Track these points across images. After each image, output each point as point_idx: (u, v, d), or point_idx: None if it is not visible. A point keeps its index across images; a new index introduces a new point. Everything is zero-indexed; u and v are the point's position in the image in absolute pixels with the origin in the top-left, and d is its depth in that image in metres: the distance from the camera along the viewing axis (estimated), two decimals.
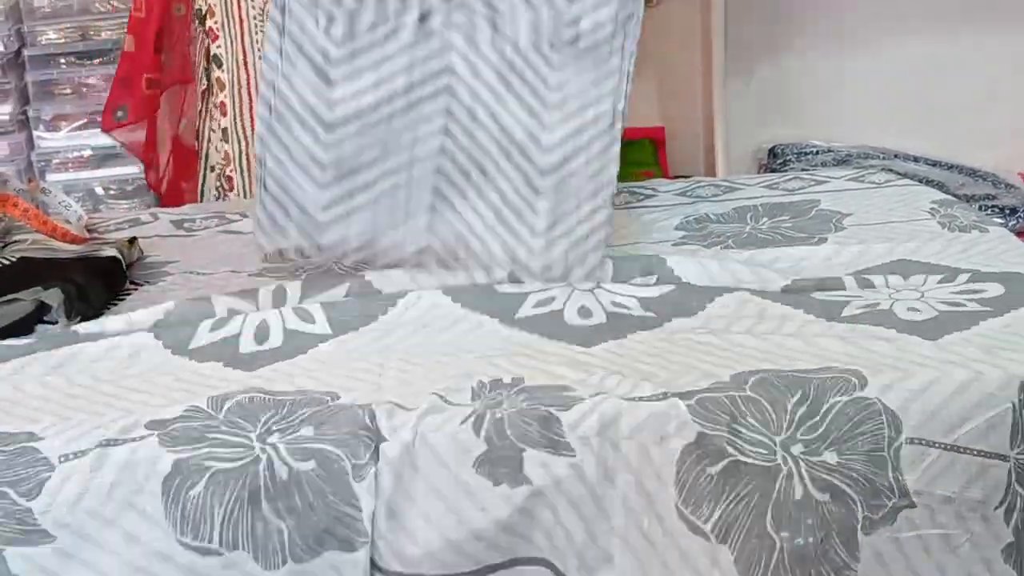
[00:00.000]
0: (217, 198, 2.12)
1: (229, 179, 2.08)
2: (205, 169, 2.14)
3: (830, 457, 1.29)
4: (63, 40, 2.99)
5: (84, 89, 3.02)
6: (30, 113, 3.00)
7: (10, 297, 1.49)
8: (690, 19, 3.33)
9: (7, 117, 2.99)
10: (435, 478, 1.26)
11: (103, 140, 3.01)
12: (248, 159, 2.06)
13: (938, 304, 1.45)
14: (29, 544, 1.24)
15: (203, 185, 2.16)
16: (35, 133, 3.02)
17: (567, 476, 1.26)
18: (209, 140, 2.11)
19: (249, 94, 2.03)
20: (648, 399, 1.28)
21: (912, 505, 1.30)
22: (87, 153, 3.02)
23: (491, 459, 1.26)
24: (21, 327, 1.48)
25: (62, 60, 3.01)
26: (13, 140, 3.00)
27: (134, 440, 1.25)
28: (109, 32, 3.00)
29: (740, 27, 3.31)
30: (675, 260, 1.58)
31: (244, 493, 1.25)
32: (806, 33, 3.36)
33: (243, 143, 2.05)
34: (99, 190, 3.02)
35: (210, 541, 1.25)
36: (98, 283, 1.59)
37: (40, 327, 1.49)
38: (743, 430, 1.28)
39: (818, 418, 1.29)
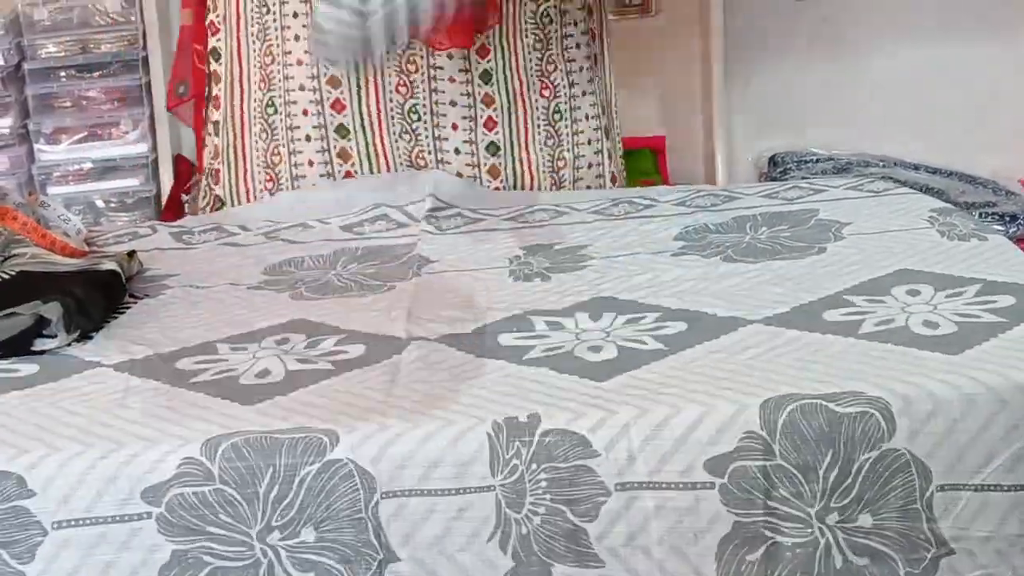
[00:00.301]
0: (204, 197, 2.12)
1: (215, 172, 2.07)
2: (205, 176, 2.14)
3: (865, 521, 1.28)
4: (63, 53, 3.00)
5: (84, 102, 3.03)
6: (30, 126, 3.00)
7: (9, 311, 1.49)
8: (689, 28, 3.34)
9: (7, 130, 3.00)
10: None
11: (103, 153, 3.03)
12: (236, 151, 2.05)
13: (953, 316, 1.45)
14: None
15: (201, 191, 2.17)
16: (35, 146, 3.03)
17: None
18: (204, 144, 2.11)
19: (241, 85, 2.03)
20: (676, 487, 1.26)
21: (952, 552, 1.29)
22: (87, 166, 3.03)
23: None
24: (20, 342, 1.48)
25: (62, 73, 3.02)
26: (13, 153, 3.01)
27: (131, 519, 1.24)
28: (109, 45, 3.01)
29: (739, 36, 3.31)
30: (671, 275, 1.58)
31: None
32: (806, 41, 3.37)
33: (232, 135, 2.05)
34: (99, 203, 3.03)
35: None
36: (98, 296, 1.59)
37: (39, 341, 1.49)
38: (778, 507, 1.27)
39: (849, 480, 1.28)
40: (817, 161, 3.38)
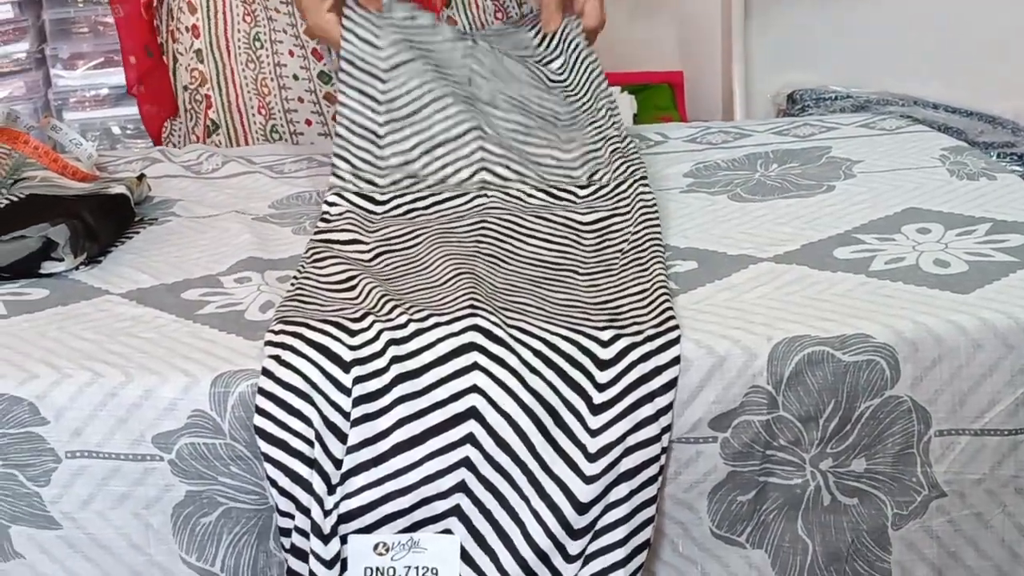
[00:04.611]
0: (191, 117, 2.14)
1: (207, 97, 2.09)
2: (178, 89, 2.16)
3: (858, 465, 1.29)
4: None
5: (101, 28, 3.02)
6: (47, 51, 3.00)
7: (17, 234, 1.49)
8: None
9: (24, 55, 3.00)
10: None
11: (120, 79, 3.02)
12: (225, 78, 2.08)
13: (964, 255, 1.44)
14: (36, 526, 1.26)
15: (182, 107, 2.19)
16: (52, 71, 3.03)
17: None
18: (177, 61, 2.13)
19: (224, 18, 2.05)
20: (683, 441, 1.27)
21: (943, 495, 1.30)
22: (104, 92, 3.03)
23: None
24: (27, 264, 1.49)
25: None
26: (30, 78, 3.01)
27: (144, 459, 1.26)
28: None
29: None
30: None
31: (254, 529, 1.27)
32: None
33: (220, 63, 2.08)
34: (116, 129, 3.04)
35: (212, 564, 1.27)
36: (106, 221, 1.60)
37: (47, 264, 1.50)
38: (775, 453, 1.28)
39: (848, 427, 1.28)
40: (836, 99, 3.36)
